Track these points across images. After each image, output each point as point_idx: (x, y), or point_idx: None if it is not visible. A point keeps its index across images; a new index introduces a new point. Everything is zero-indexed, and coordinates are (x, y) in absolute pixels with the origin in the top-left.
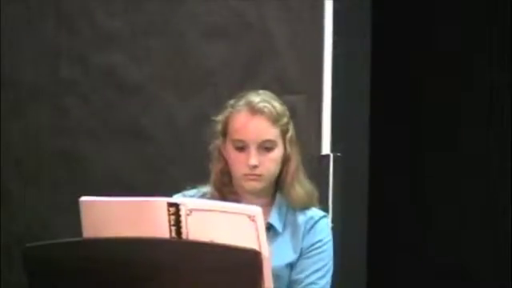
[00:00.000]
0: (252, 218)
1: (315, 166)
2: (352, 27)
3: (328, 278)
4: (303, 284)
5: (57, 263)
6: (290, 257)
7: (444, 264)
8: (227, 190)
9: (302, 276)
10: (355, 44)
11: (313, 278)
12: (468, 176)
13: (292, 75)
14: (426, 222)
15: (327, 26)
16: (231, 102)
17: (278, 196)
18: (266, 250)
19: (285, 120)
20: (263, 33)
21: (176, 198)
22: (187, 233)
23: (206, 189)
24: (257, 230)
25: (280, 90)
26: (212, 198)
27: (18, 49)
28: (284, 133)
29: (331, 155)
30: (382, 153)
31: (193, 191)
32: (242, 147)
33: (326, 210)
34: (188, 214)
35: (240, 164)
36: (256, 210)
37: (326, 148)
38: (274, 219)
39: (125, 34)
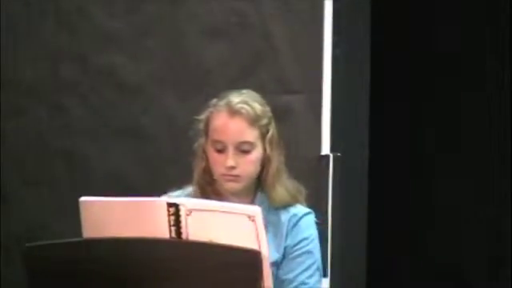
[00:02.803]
0: (252, 218)
1: (315, 166)
2: (352, 27)
3: (317, 277)
4: (293, 284)
5: (57, 263)
6: (273, 256)
7: (444, 265)
8: (210, 189)
9: (291, 276)
10: (355, 44)
11: (302, 277)
12: (469, 176)
13: (292, 75)
14: (426, 222)
15: (327, 26)
16: (213, 101)
17: (260, 195)
18: (265, 250)
19: (265, 121)
20: (263, 33)
21: (175, 198)
22: (187, 233)
23: (191, 189)
24: (256, 229)
25: (280, 89)
26: (195, 197)
27: (18, 49)
28: (263, 134)
29: (331, 155)
30: (382, 153)
31: (177, 192)
32: (220, 148)
33: (325, 210)
34: (188, 215)
35: (218, 165)
36: (256, 210)
37: (325, 148)
38: None
39: (125, 34)
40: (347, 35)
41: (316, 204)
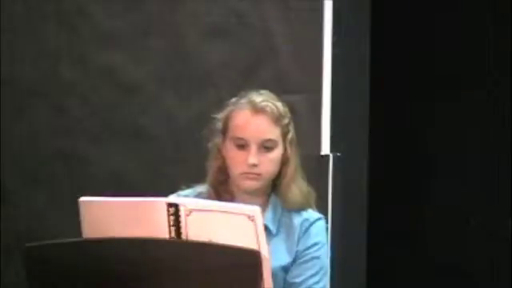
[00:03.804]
0: (251, 218)
1: (315, 166)
2: (352, 27)
3: (324, 282)
4: None
5: (57, 263)
6: (285, 259)
7: (443, 264)
8: (223, 189)
9: (298, 280)
10: (355, 44)
11: (309, 282)
12: (469, 176)
13: (292, 75)
14: (426, 222)
15: (327, 26)
16: (233, 100)
17: (273, 197)
18: (265, 250)
19: (286, 121)
20: (263, 33)
21: (175, 198)
22: (187, 233)
23: (202, 188)
24: (256, 230)
25: (280, 89)
26: (208, 196)
27: (18, 49)
28: (285, 133)
29: (331, 155)
30: (382, 153)
31: (187, 191)
32: (242, 145)
33: (325, 210)
34: (187, 215)
35: (239, 162)
36: (255, 210)
37: (325, 148)
38: (268, 220)
39: (125, 34)
40: (347, 35)
41: (316, 204)
